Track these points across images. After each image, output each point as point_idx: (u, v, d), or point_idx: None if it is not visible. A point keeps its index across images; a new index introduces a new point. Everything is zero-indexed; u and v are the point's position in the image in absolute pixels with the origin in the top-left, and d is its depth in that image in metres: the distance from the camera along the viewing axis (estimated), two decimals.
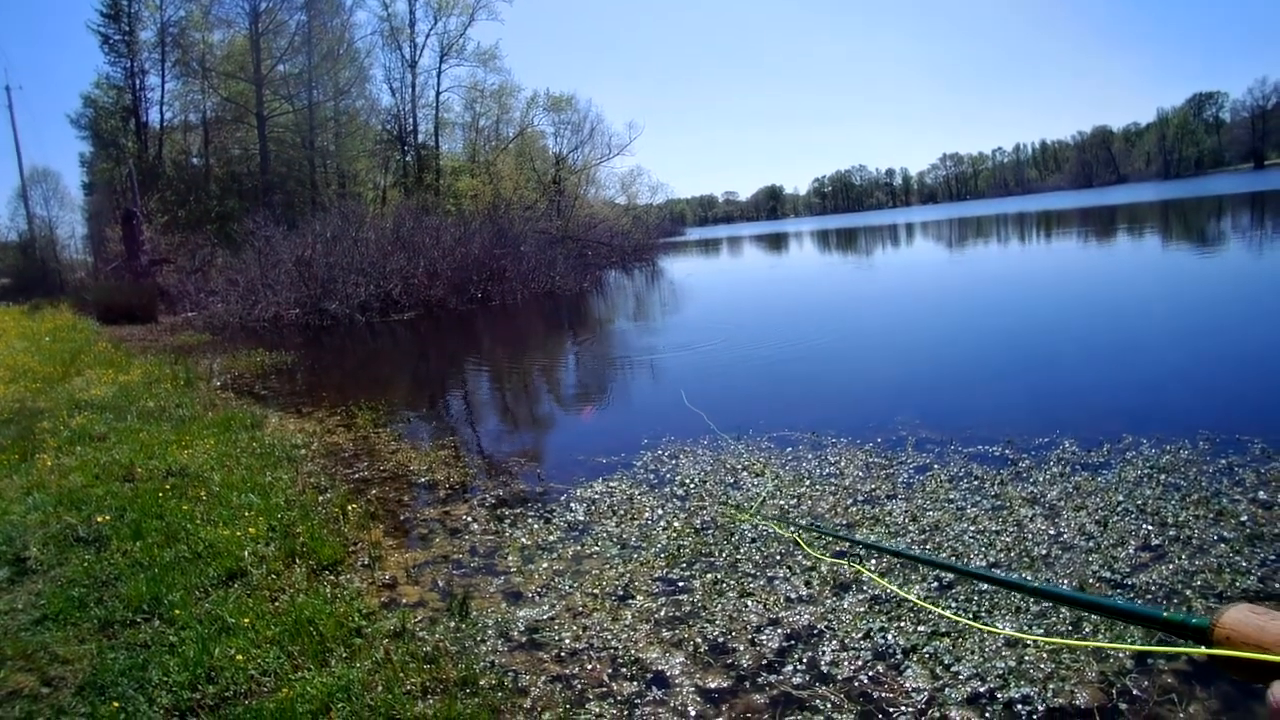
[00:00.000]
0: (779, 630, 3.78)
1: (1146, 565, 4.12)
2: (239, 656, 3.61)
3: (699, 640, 3.75)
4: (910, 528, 4.89)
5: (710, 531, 5.10)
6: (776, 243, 61.85)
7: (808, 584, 4.24)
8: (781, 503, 5.52)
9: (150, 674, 3.55)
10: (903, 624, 3.73)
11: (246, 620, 3.97)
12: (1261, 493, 4.86)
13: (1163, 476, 5.29)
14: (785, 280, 28.45)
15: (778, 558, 4.61)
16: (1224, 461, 5.45)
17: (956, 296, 17.72)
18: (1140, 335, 10.74)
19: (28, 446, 7.78)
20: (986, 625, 3.64)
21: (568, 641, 3.83)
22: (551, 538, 5.23)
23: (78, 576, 4.71)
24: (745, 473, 6.25)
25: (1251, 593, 3.72)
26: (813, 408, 8.13)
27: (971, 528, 4.79)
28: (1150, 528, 4.54)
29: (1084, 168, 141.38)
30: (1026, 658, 3.37)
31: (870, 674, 3.38)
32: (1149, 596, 3.82)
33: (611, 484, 6.22)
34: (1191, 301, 13.21)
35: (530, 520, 5.58)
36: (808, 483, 5.87)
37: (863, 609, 3.91)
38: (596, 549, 4.97)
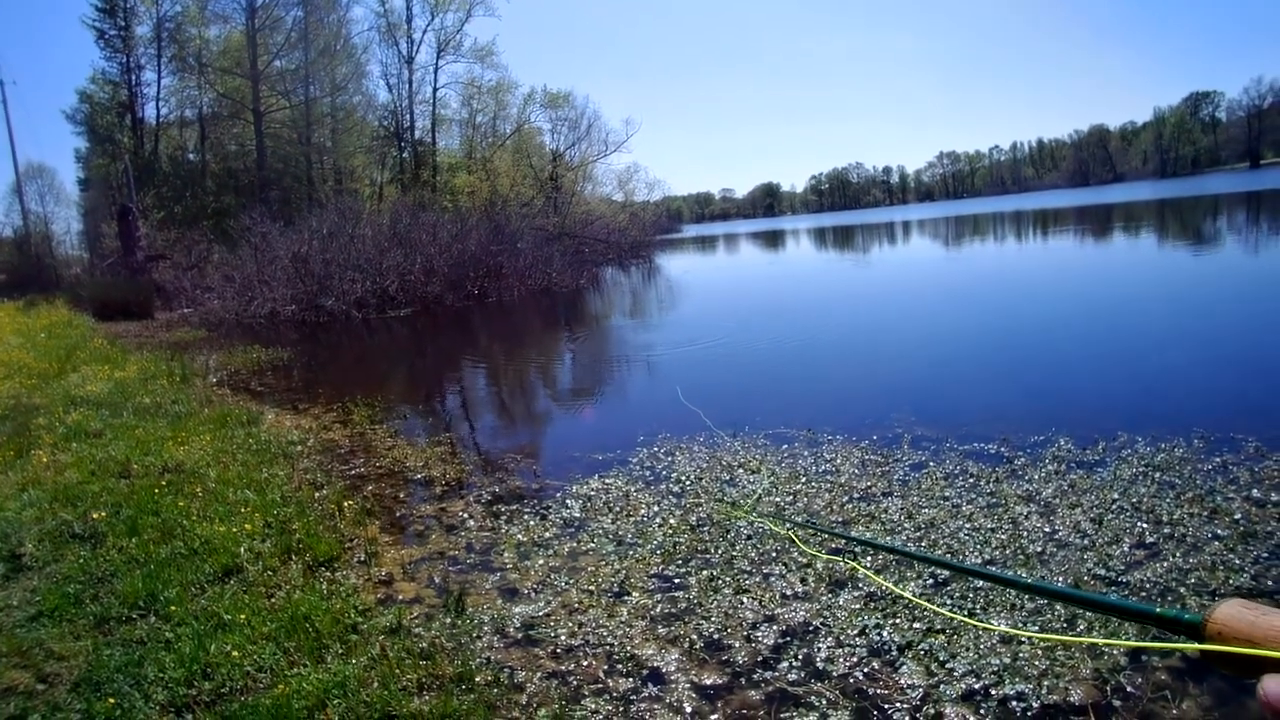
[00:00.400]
0: (774, 627, 3.78)
1: (1141, 563, 4.13)
2: (235, 653, 3.62)
3: (694, 637, 3.75)
4: (906, 525, 4.91)
5: (706, 528, 5.11)
6: (773, 240, 61.89)
7: (803, 581, 4.24)
8: (777, 500, 5.53)
9: (146, 670, 3.55)
10: (898, 621, 3.74)
11: (242, 616, 3.97)
12: (1255, 491, 4.88)
13: (1157, 474, 5.31)
14: (782, 277, 28.45)
15: (773, 555, 4.62)
16: (1218, 460, 5.47)
17: (953, 294, 17.73)
18: (1136, 334, 10.76)
19: (23, 443, 7.76)
20: (981, 622, 3.65)
21: (563, 638, 3.83)
22: (547, 534, 5.23)
23: (73, 573, 4.71)
24: (741, 470, 6.25)
25: (1245, 590, 3.74)
26: (809, 405, 8.14)
27: (967, 525, 4.80)
28: (1145, 525, 4.56)
29: (1081, 166, 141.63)
30: (1021, 655, 3.38)
31: (865, 671, 3.39)
32: (1143, 594, 3.83)
33: (607, 481, 6.22)
34: (1187, 300, 13.24)
35: (526, 517, 5.58)
36: (803, 480, 5.88)
37: (858, 606, 3.92)
38: (592, 546, 4.98)
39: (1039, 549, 4.39)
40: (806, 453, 6.54)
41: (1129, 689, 3.11)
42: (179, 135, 43.97)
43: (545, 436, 8.45)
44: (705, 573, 4.44)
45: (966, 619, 3.67)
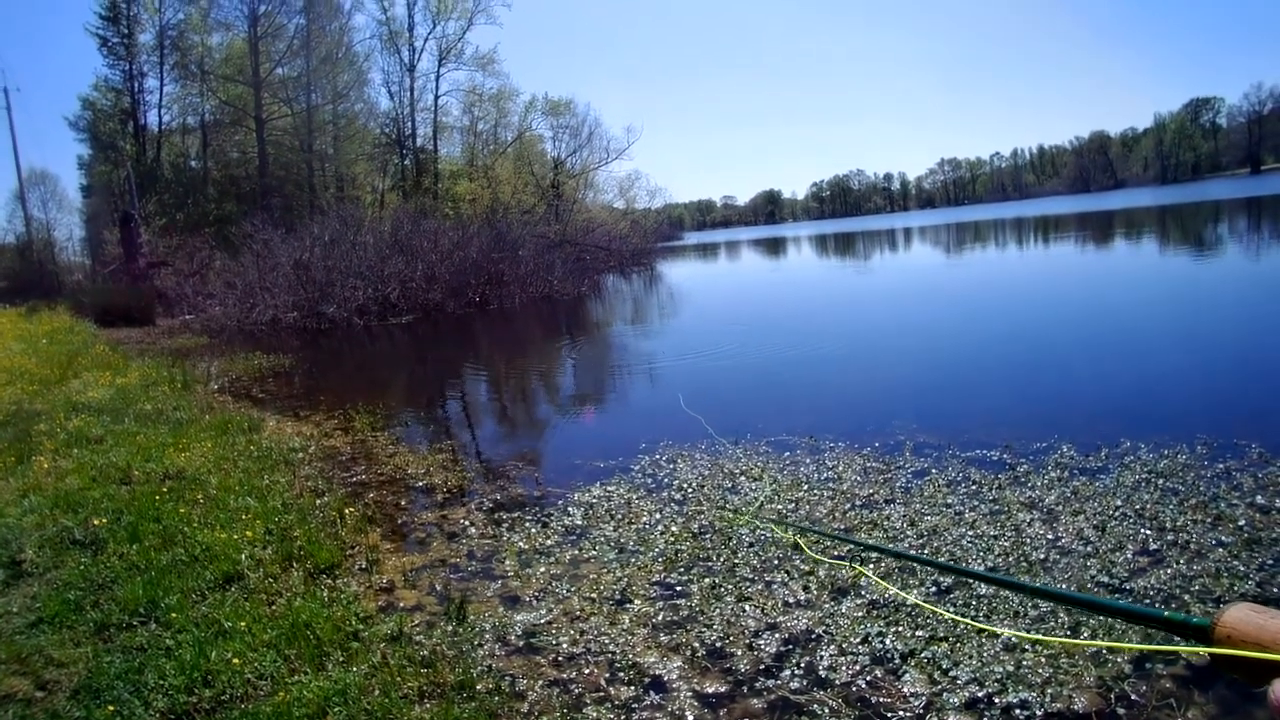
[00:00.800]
0: (777, 635, 3.77)
1: (1144, 570, 4.12)
2: (235, 660, 3.60)
3: (696, 645, 3.74)
4: (908, 532, 4.89)
5: (708, 536, 5.09)
6: (774, 247, 61.94)
7: (805, 588, 4.23)
8: (779, 507, 5.52)
9: (146, 677, 3.54)
10: (900, 628, 3.72)
11: (243, 624, 3.96)
12: (1259, 497, 4.87)
13: (1161, 481, 5.29)
14: (783, 284, 28.48)
15: (775, 562, 4.60)
16: (1222, 466, 5.46)
17: (954, 301, 17.73)
18: (1138, 340, 10.75)
19: (24, 449, 7.76)
20: (989, 627, 3.63)
21: (565, 646, 3.82)
22: (549, 542, 5.22)
23: (74, 579, 4.69)
24: (743, 477, 6.24)
25: (1249, 597, 3.72)
26: (811, 412, 8.13)
27: (970, 532, 4.78)
28: (1148, 532, 4.54)
29: (1081, 173, 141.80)
30: (1024, 662, 3.37)
31: (868, 678, 3.37)
32: (1147, 601, 3.82)
33: (609, 488, 6.21)
34: (1189, 306, 13.23)
35: (528, 524, 5.57)
36: (805, 487, 5.87)
37: (860, 613, 3.91)
38: (594, 553, 4.97)
39: (1042, 556, 4.38)
40: (808, 460, 6.52)
41: (1133, 696, 3.09)
42: (181, 142, 44.09)
43: (547, 444, 8.44)
44: (707, 580, 4.42)
45: (974, 623, 3.66)
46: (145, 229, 33.58)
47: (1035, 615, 3.74)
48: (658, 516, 5.51)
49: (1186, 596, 3.80)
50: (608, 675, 3.54)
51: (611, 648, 3.77)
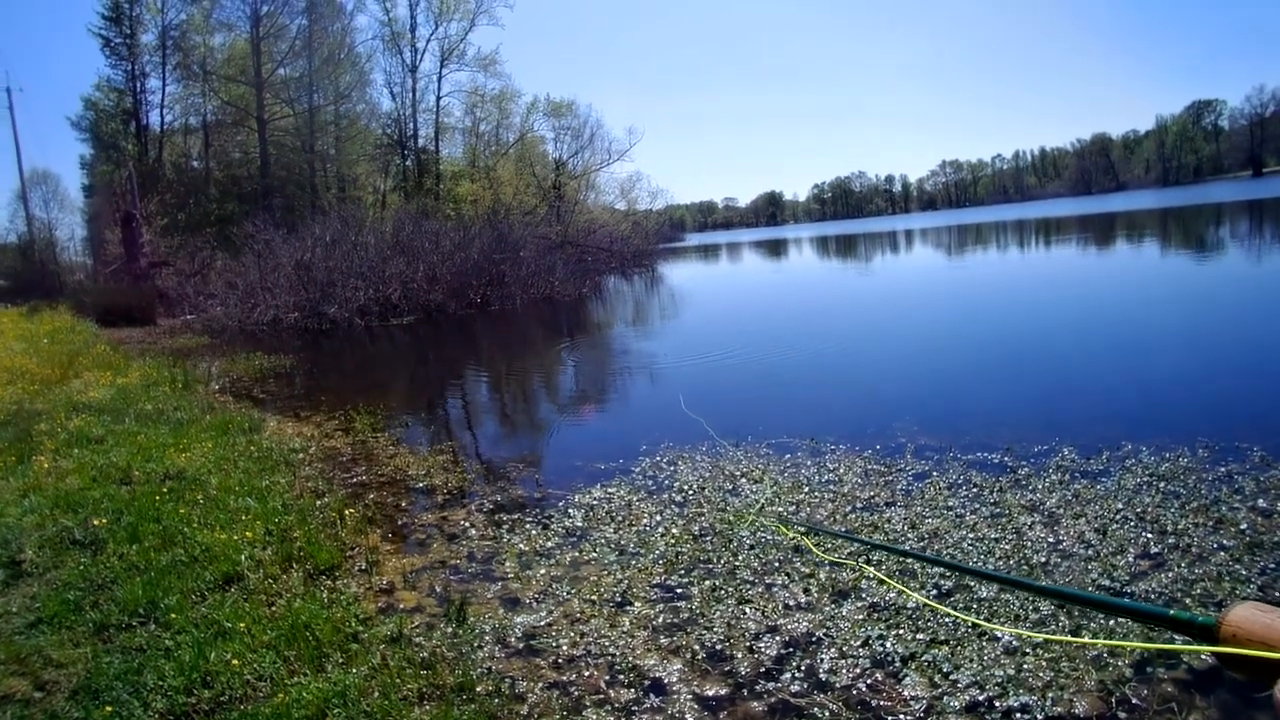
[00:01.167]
0: (777, 637, 3.76)
1: (1146, 573, 4.11)
2: (235, 661, 3.60)
3: (697, 647, 3.73)
4: (909, 535, 4.89)
5: (708, 538, 5.09)
6: (776, 249, 61.96)
7: (806, 591, 4.22)
8: (780, 509, 5.51)
9: (145, 678, 3.53)
10: (901, 631, 3.72)
11: (243, 625, 3.95)
12: (1261, 500, 4.85)
13: (1162, 484, 5.28)
14: (785, 285, 28.49)
15: (776, 564, 4.59)
16: (1223, 469, 5.44)
17: (956, 303, 17.73)
18: (1139, 342, 10.74)
19: (25, 448, 7.76)
20: (992, 626, 3.62)
21: (565, 648, 3.81)
22: (549, 544, 5.21)
23: (73, 580, 4.69)
24: (744, 479, 6.24)
25: (1252, 600, 3.71)
26: (812, 414, 8.12)
27: (971, 535, 4.78)
28: (1150, 535, 4.53)
29: (1083, 175, 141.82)
30: (1025, 666, 3.36)
31: (869, 682, 3.36)
32: (1149, 603, 3.80)
33: (610, 490, 6.21)
34: (1190, 309, 13.21)
35: (528, 526, 5.57)
36: (806, 489, 5.86)
37: (861, 616, 3.90)
38: (594, 555, 4.96)
39: (1043, 559, 4.37)
40: (809, 462, 6.51)
41: (1134, 700, 3.08)
42: (183, 142, 44.15)
43: (547, 445, 8.43)
44: (708, 583, 4.41)
45: (980, 621, 3.65)
46: (147, 229, 33.58)
47: (1037, 618, 3.73)
48: (658, 518, 5.51)
49: (1188, 600, 3.79)
50: (608, 677, 3.54)
51: (611, 650, 3.76)
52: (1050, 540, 4.60)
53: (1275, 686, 0.86)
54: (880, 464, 6.29)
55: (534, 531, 5.45)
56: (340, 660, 3.67)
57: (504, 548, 5.19)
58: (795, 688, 3.37)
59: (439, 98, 46.55)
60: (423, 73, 45.91)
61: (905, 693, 3.26)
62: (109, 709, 3.32)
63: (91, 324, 25.06)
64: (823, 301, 21.28)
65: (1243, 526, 4.52)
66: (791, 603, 4.11)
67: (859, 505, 5.46)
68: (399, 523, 5.90)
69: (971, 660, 3.43)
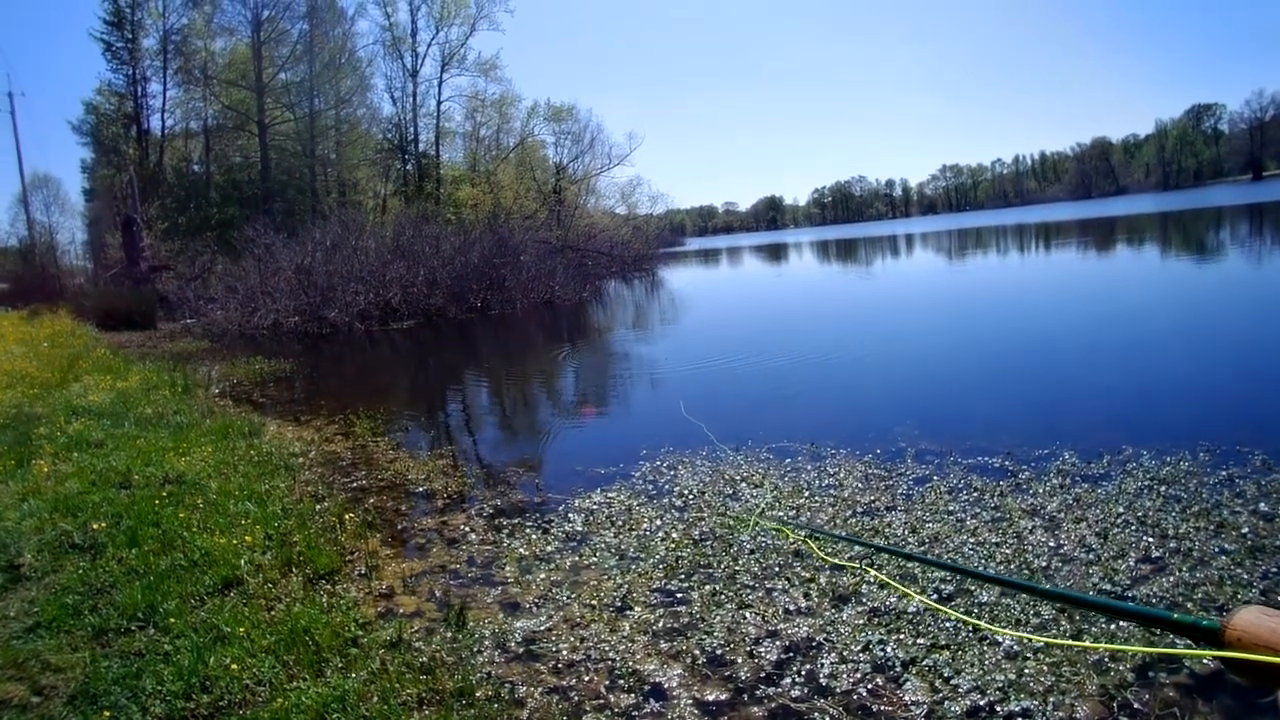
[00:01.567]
0: (777, 642, 3.75)
1: (1147, 577, 4.10)
2: (234, 666, 3.59)
3: (697, 652, 3.72)
4: (910, 539, 4.88)
5: (709, 543, 5.08)
6: (776, 253, 61.98)
7: (806, 595, 4.21)
8: (781, 514, 5.50)
9: (144, 683, 3.52)
10: (902, 636, 3.71)
11: (242, 629, 3.94)
12: (1262, 504, 4.85)
13: (1163, 488, 5.27)
14: (785, 290, 28.48)
15: (776, 569, 4.58)
16: (1224, 473, 5.43)
17: (956, 308, 17.73)
18: (1140, 347, 10.74)
19: (24, 452, 7.75)
20: (997, 629, 3.61)
21: (565, 653, 3.80)
22: (549, 548, 5.20)
23: (72, 584, 4.68)
24: (744, 484, 6.23)
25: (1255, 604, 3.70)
26: (812, 418, 8.11)
27: (971, 539, 4.77)
28: (1151, 539, 4.52)
29: (1083, 179, 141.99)
30: (1026, 670, 3.35)
31: (869, 686, 3.35)
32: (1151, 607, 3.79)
33: (610, 494, 6.20)
34: (1191, 312, 13.21)
35: (528, 530, 5.56)
36: (807, 494, 5.85)
37: (862, 621, 3.89)
38: (594, 560, 4.95)
39: (1044, 563, 4.36)
40: (810, 467, 6.51)
41: (1136, 705, 3.07)
42: (184, 147, 44.22)
43: (547, 450, 8.42)
44: (708, 587, 4.40)
45: (981, 624, 3.64)
46: (147, 233, 33.66)
47: (1038, 622, 3.72)
48: (658, 523, 5.50)
49: (1190, 604, 3.78)
50: (608, 682, 3.52)
51: (611, 655, 3.75)
52: (1051, 544, 4.59)
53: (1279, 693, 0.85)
54: (881, 468, 6.28)
55: (534, 536, 5.44)
56: (339, 665, 3.66)
57: (504, 552, 5.18)
58: (796, 693, 3.36)
59: (439, 102, 46.72)
60: (423, 77, 46.08)
61: (906, 698, 3.25)
62: (107, 714, 3.30)
63: (91, 328, 25.07)
64: (822, 306, 21.29)
65: (1244, 530, 4.51)
66: (792, 607, 4.10)
67: (859, 510, 5.45)
68: (399, 527, 5.89)
69: (973, 665, 3.42)
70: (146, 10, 40.78)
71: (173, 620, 4.10)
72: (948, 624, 3.76)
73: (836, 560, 4.58)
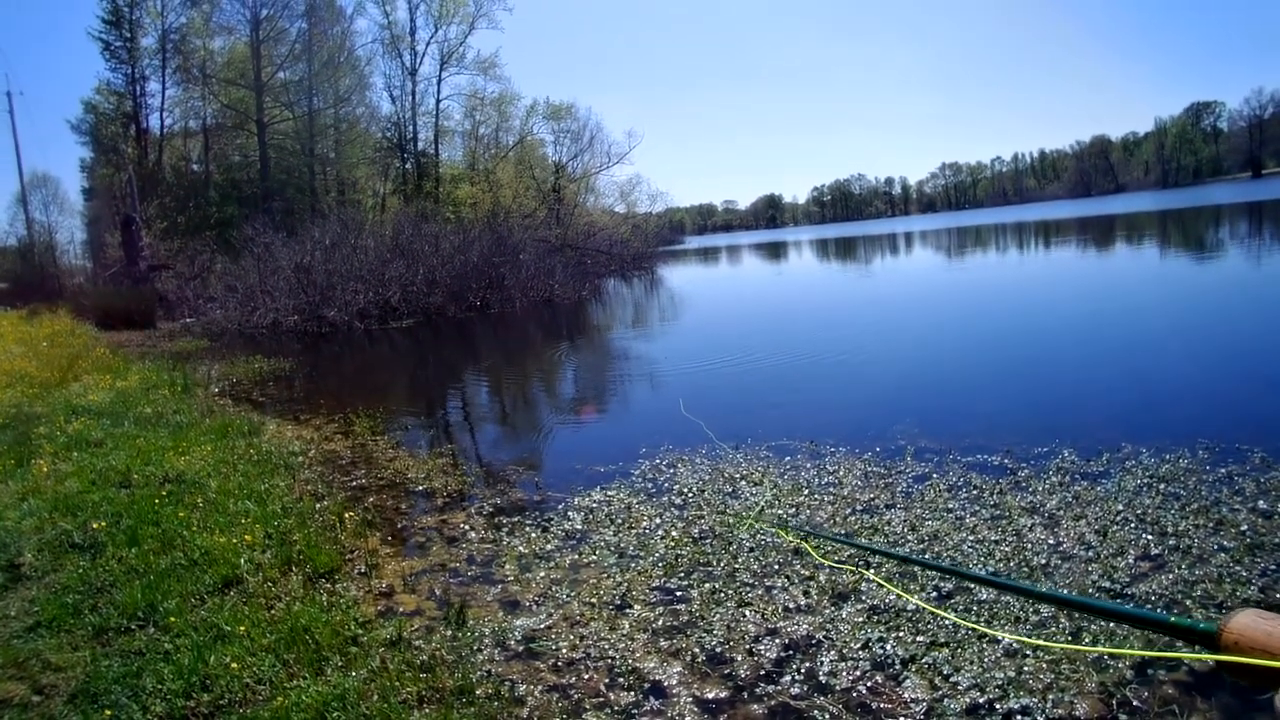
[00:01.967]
0: (777, 640, 3.76)
1: (1146, 575, 4.10)
2: (234, 664, 3.59)
3: (697, 650, 3.72)
4: (909, 537, 4.88)
5: (708, 541, 5.08)
6: (776, 251, 61.99)
7: (806, 594, 4.22)
8: (780, 512, 5.50)
9: (144, 682, 3.53)
10: (901, 634, 3.71)
11: (242, 628, 3.95)
12: (1261, 502, 4.85)
13: (1162, 485, 5.28)
14: (784, 288, 28.49)
15: (776, 567, 4.59)
16: (1224, 470, 5.44)
17: (955, 305, 17.74)
18: (1139, 344, 10.74)
19: (24, 452, 7.75)
20: (991, 631, 3.62)
21: (565, 651, 3.80)
22: (549, 546, 5.21)
23: (72, 583, 4.69)
24: (744, 482, 6.23)
25: (1252, 603, 3.69)
26: (811, 416, 8.12)
27: (971, 537, 4.77)
28: (1150, 537, 4.53)
29: (1082, 177, 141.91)
30: (1026, 668, 3.35)
31: (869, 684, 3.36)
32: (1149, 606, 3.79)
33: (609, 493, 6.20)
34: (1190, 310, 13.22)
35: (528, 529, 5.56)
36: (806, 492, 5.85)
37: (861, 619, 3.89)
38: (594, 558, 4.95)
39: (1043, 561, 4.36)
40: (809, 465, 6.51)
41: (1135, 703, 3.07)
42: (183, 146, 44.14)
43: (547, 448, 8.42)
44: (707, 585, 4.41)
45: (978, 626, 3.64)
46: (146, 232, 33.64)
47: (1036, 620, 3.72)
48: (658, 521, 5.50)
49: (1189, 602, 3.78)
50: (607, 681, 3.53)
51: (611, 653, 3.75)
52: (1051, 542, 4.59)
53: (1277, 694, 0.86)
54: (880, 466, 6.29)
55: (534, 534, 5.44)
56: (339, 663, 3.67)
57: (503, 550, 5.19)
58: (795, 690, 3.36)
59: (438, 101, 46.60)
60: (422, 76, 45.97)
61: (905, 695, 3.25)
62: (108, 713, 3.31)
63: (91, 327, 25.06)
64: (822, 304, 21.29)
65: (1243, 528, 4.52)
66: (791, 605, 4.10)
67: (859, 508, 5.46)
68: (398, 526, 5.89)
69: (972, 663, 3.42)
70: (145, 9, 40.67)
71: (173, 619, 4.10)
72: (947, 621, 3.76)
73: (832, 561, 4.58)
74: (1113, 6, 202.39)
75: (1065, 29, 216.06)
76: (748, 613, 4.05)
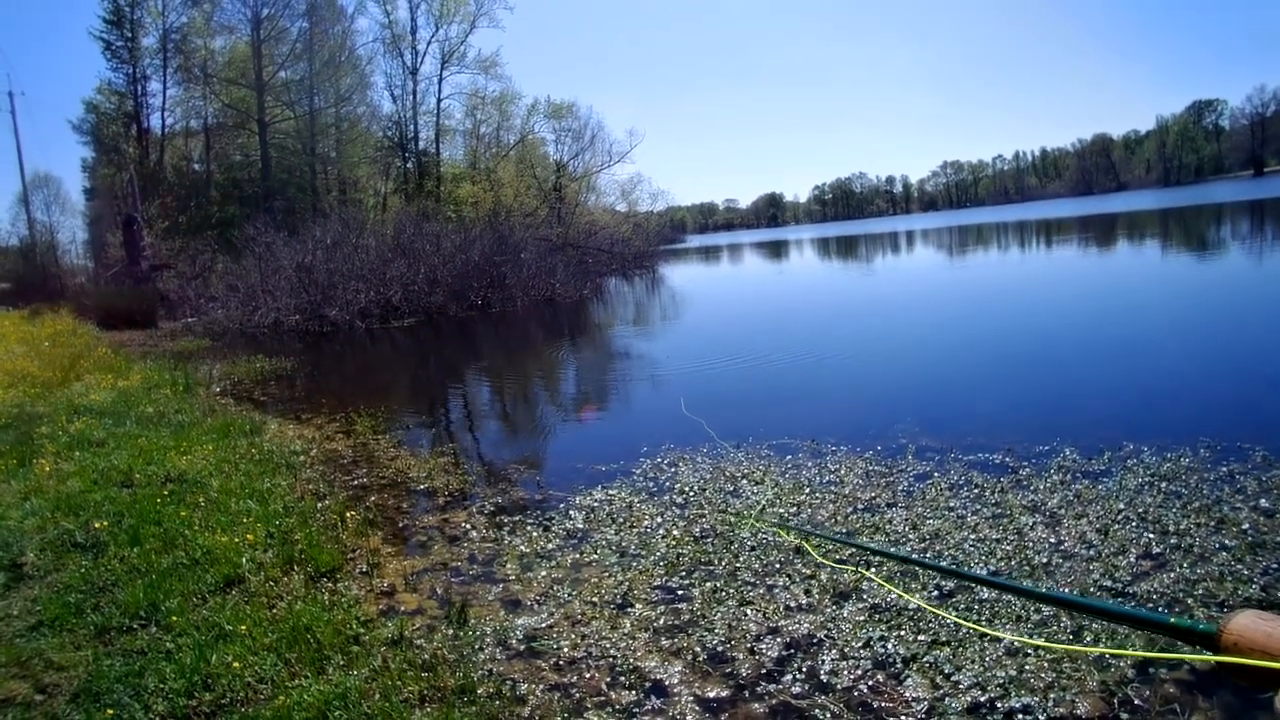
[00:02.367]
0: (778, 639, 3.76)
1: (1148, 574, 4.10)
2: (236, 664, 3.60)
3: (698, 649, 3.73)
4: (910, 536, 4.88)
5: (710, 540, 5.08)
6: (777, 250, 61.97)
7: (807, 593, 4.22)
8: (781, 510, 5.51)
9: (146, 681, 3.53)
10: (903, 633, 3.71)
11: (244, 627, 3.95)
12: (1263, 500, 4.85)
13: (1164, 484, 5.27)
14: (786, 287, 28.48)
15: (777, 566, 4.59)
16: (1225, 469, 5.43)
17: (956, 304, 17.72)
18: (1141, 342, 10.73)
19: (26, 451, 7.76)
20: (993, 632, 3.62)
21: (566, 650, 3.81)
22: (550, 545, 5.21)
23: (74, 582, 4.69)
24: (745, 480, 6.23)
25: (1254, 602, 3.69)
26: (813, 415, 8.12)
27: (972, 536, 4.77)
28: (1151, 536, 4.52)
29: (1084, 175, 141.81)
30: (1027, 667, 3.35)
31: (870, 683, 3.36)
32: (1151, 605, 3.79)
33: (610, 492, 6.20)
34: (1192, 309, 13.20)
35: (529, 528, 5.56)
36: (807, 490, 5.85)
37: (862, 618, 3.89)
38: (595, 557, 4.96)
39: (1045, 560, 4.36)
40: (810, 463, 6.51)
41: (1136, 701, 3.07)
42: (184, 145, 44.17)
43: (548, 447, 8.43)
44: (709, 584, 4.41)
45: (978, 626, 3.64)
46: (148, 232, 33.64)
47: (1038, 619, 3.72)
48: (659, 520, 5.50)
49: (1190, 600, 3.78)
50: (609, 679, 3.53)
51: (613, 652, 3.76)
52: (1052, 541, 4.59)
53: (1277, 695, 0.86)
54: (881, 465, 6.29)
55: (535, 533, 5.44)
56: (341, 662, 3.67)
57: (505, 550, 5.19)
58: (796, 689, 3.36)
59: (439, 100, 46.59)
60: (423, 75, 45.96)
61: (907, 694, 3.25)
62: (110, 712, 3.31)
63: (93, 327, 25.10)
64: (823, 303, 21.27)
65: (1245, 527, 4.51)
66: (793, 604, 4.10)
67: (860, 506, 5.46)
68: (400, 525, 5.90)
69: (973, 661, 3.42)
70: (146, 9, 40.67)
71: (175, 618, 4.11)
72: (948, 621, 3.76)
73: (832, 562, 4.58)
74: (1113, 4, 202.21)
75: (1066, 27, 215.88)
76: (749, 611, 4.05)
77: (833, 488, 5.87)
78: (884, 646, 3.61)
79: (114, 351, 17.59)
